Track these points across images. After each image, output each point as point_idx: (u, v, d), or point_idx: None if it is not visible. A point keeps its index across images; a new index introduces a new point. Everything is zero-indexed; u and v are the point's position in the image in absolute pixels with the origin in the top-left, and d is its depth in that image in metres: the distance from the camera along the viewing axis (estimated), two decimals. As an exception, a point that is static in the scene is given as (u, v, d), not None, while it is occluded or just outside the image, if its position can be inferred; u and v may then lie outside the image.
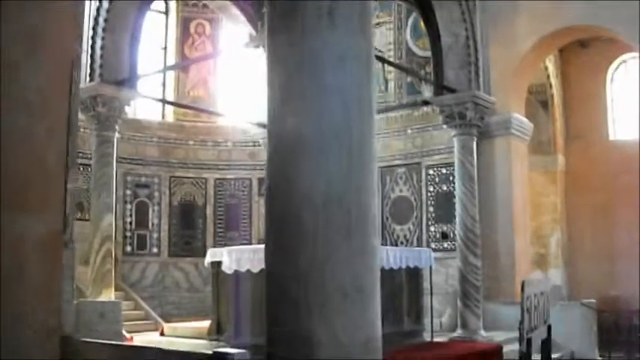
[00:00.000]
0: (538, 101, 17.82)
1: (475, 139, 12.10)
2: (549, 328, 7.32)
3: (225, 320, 10.41)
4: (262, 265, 9.67)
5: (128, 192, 15.94)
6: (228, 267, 9.77)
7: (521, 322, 5.73)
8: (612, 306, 16.17)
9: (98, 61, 11.58)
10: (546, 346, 7.28)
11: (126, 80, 11.64)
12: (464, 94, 11.83)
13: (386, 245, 14.89)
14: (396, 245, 14.95)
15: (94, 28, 11.66)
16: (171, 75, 17.13)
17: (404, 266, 11.04)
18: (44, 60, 5.89)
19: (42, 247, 5.84)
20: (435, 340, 11.39)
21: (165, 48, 17.33)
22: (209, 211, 16.73)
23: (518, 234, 14.34)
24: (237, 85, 17.44)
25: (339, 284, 3.51)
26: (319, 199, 3.54)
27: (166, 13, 17.43)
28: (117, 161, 14.86)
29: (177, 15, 17.33)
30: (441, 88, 12.09)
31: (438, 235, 14.57)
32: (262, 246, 10.73)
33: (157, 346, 9.43)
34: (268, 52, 3.85)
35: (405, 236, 15.16)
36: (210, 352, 5.76)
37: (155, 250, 16.17)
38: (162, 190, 16.41)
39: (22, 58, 5.44)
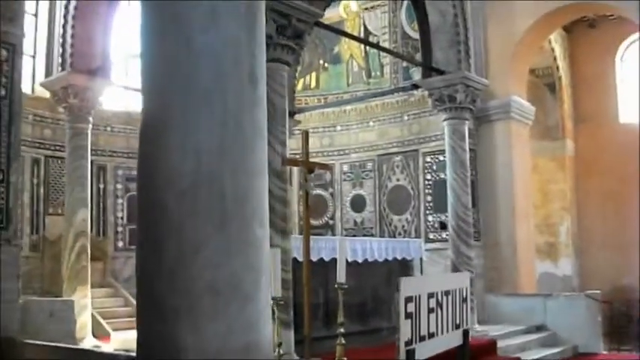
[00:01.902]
0: (545, 85, 17.12)
1: (467, 123, 11.46)
2: (466, 333, 6.30)
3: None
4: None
5: (119, 186, 15.46)
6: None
7: (398, 331, 4.81)
8: (624, 296, 15.48)
9: (69, 50, 11.14)
10: (463, 355, 6.34)
11: (98, 69, 11.18)
12: (453, 76, 11.19)
13: (384, 237, 14.41)
14: (394, 237, 14.39)
15: (64, 17, 11.23)
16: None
17: (391, 258, 10.50)
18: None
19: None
20: (427, 335, 10.81)
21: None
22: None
23: (519, 222, 13.69)
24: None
25: (209, 283, 2.95)
26: (186, 181, 2.99)
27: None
28: (107, 155, 14.55)
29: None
30: (429, 69, 11.46)
31: (436, 225, 13.95)
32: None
33: (124, 345, 8.96)
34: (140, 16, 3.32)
35: (402, 227, 14.57)
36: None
37: (149, 245, 15.71)
38: (154, 184, 15.93)
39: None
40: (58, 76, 11.19)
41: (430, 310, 5.31)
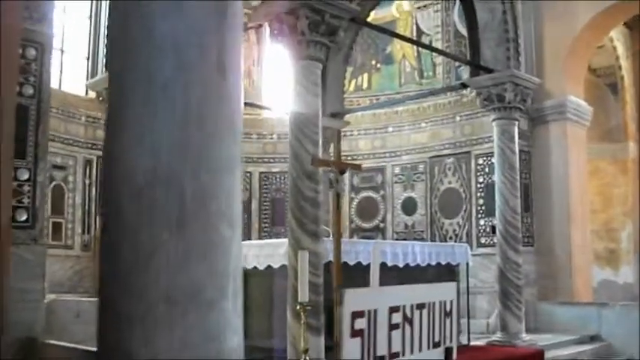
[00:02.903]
0: (606, 85, 16.50)
1: (516, 123, 11.00)
2: (448, 351, 5.70)
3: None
4: (269, 262, 9.01)
5: (169, 187, 15.43)
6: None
7: (339, 352, 4.17)
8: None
9: (113, 49, 11.12)
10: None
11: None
12: (501, 74, 10.75)
13: (435, 241, 14.06)
14: (445, 241, 14.00)
15: (108, 18, 11.20)
16: (214, 66, 16.56)
17: (434, 263, 10.16)
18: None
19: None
20: (473, 343, 10.43)
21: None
22: (254, 205, 16.03)
23: (575, 227, 13.16)
24: (283, 76, 16.73)
25: (165, 289, 2.73)
26: (142, 179, 2.77)
27: (210, 2, 16.88)
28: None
29: (219, 4, 16.73)
30: (477, 68, 11.07)
31: (487, 230, 13.50)
32: (273, 241, 9.94)
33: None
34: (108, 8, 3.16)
35: (454, 231, 14.16)
36: None
37: (198, 246, 15.65)
38: (205, 185, 15.87)
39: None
40: (102, 77, 11.21)
41: (393, 327, 4.76)
